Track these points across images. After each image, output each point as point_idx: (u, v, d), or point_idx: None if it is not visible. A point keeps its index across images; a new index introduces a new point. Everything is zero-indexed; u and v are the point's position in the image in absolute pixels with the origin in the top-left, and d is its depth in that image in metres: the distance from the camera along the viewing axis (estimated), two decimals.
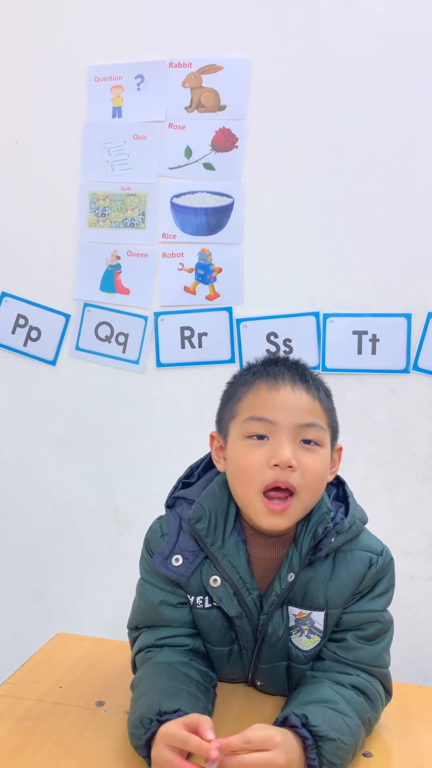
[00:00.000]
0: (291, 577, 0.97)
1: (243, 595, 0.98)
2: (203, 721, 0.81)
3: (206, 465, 1.09)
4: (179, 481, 1.09)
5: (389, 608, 1.02)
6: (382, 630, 1.00)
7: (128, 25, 1.71)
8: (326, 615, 0.99)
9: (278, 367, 0.99)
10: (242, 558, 0.99)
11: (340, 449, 1.03)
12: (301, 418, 0.94)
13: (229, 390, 1.03)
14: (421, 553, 1.68)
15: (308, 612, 0.99)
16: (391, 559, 1.02)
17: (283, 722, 0.87)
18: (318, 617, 0.99)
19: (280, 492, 0.93)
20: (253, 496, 0.94)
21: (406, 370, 1.67)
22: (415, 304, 1.65)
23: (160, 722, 0.85)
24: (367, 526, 1.03)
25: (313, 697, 0.92)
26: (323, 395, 0.99)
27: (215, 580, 0.99)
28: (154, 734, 0.84)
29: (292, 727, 0.85)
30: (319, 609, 0.99)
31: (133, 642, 1.04)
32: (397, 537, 1.68)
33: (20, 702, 1.01)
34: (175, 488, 1.09)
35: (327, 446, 0.97)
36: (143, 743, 0.85)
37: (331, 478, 1.01)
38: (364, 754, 0.92)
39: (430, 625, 1.70)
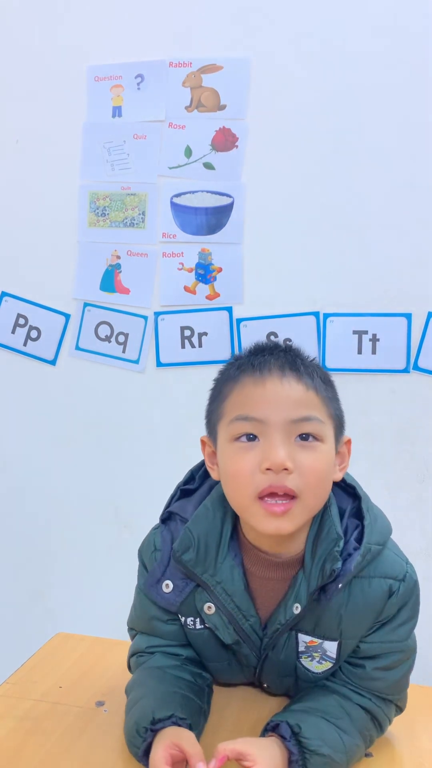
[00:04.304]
0: (297, 608, 0.89)
1: (239, 622, 0.92)
2: (194, 755, 0.79)
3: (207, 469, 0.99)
4: (177, 488, 1.00)
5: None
6: (404, 658, 0.93)
7: (128, 25, 1.71)
8: (340, 644, 0.91)
9: (264, 356, 0.87)
10: (238, 583, 0.91)
11: (349, 442, 0.91)
12: (294, 412, 0.83)
13: (215, 388, 0.92)
14: (421, 553, 1.68)
15: (320, 641, 0.92)
16: (416, 582, 0.93)
17: (273, 728, 0.85)
18: (331, 647, 0.92)
19: (278, 497, 0.82)
20: (249, 502, 0.83)
21: (406, 370, 1.66)
22: (415, 304, 1.65)
23: (154, 731, 0.84)
24: None
25: (315, 705, 0.89)
26: (319, 383, 0.86)
27: (209, 607, 0.92)
28: (151, 743, 0.84)
29: (280, 737, 0.83)
30: (332, 639, 0.91)
31: (132, 639, 1.03)
32: (397, 537, 1.66)
33: (20, 702, 1.01)
34: (172, 498, 1.00)
35: (329, 440, 0.85)
36: (141, 753, 0.84)
37: (340, 475, 0.90)
38: (365, 755, 0.92)
39: (430, 625, 1.70)
